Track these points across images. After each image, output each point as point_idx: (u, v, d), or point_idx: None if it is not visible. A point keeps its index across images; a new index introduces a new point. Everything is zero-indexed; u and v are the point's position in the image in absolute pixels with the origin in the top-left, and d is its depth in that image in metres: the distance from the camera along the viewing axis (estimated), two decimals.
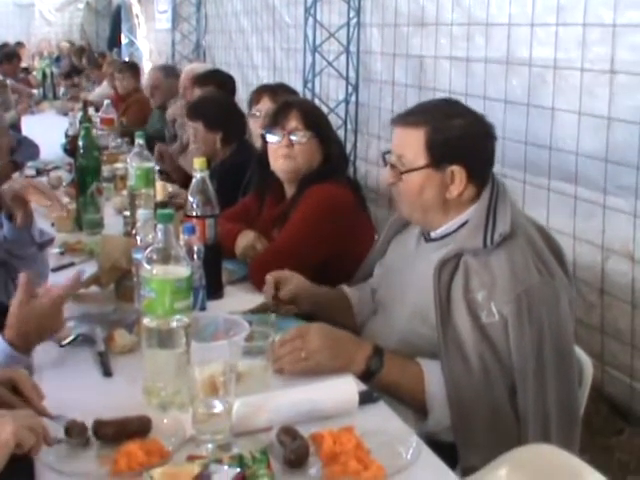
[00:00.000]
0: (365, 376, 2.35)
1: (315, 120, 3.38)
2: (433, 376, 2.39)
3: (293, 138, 3.31)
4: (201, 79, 6.13)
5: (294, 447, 1.85)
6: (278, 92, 4.16)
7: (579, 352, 2.54)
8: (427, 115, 2.54)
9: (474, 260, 2.40)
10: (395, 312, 2.66)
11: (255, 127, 4.21)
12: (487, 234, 2.41)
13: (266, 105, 4.11)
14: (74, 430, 1.93)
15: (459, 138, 2.49)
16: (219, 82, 5.95)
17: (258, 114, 4.17)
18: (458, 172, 2.48)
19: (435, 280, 2.43)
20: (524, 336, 2.32)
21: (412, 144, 2.51)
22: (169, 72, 7.79)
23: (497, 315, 2.34)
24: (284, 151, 3.33)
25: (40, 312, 2.27)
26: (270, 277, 2.82)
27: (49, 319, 2.31)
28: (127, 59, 13.41)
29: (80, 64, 13.15)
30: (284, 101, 3.51)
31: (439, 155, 2.48)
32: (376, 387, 2.31)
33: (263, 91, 4.27)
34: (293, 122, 3.32)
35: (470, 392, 2.34)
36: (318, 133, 3.35)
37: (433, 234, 2.62)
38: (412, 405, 2.41)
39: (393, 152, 2.58)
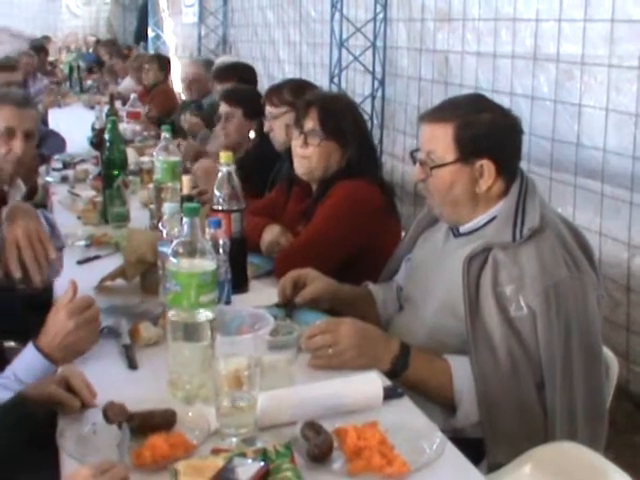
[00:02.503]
0: (390, 375, 2.35)
1: (334, 122, 3.31)
2: (461, 372, 2.39)
3: (309, 139, 3.31)
4: (221, 74, 6.10)
5: (318, 442, 1.85)
6: (281, 92, 4.17)
7: (604, 350, 2.53)
8: (455, 110, 2.54)
9: (503, 254, 2.40)
10: (423, 307, 2.66)
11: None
12: (516, 228, 2.42)
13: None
14: (112, 411, 1.95)
15: (488, 132, 2.50)
16: (240, 76, 5.93)
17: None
18: (487, 166, 2.48)
19: (464, 274, 2.43)
20: (552, 330, 2.32)
21: (441, 139, 2.51)
22: (209, 67, 7.71)
23: (525, 308, 2.34)
24: (299, 151, 3.34)
25: (77, 326, 2.29)
26: (287, 280, 2.80)
27: (87, 333, 2.33)
28: (153, 53, 13.43)
29: (108, 58, 13.17)
30: (306, 99, 3.46)
31: (468, 150, 2.49)
32: (403, 384, 2.31)
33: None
34: (310, 123, 3.30)
35: (498, 386, 2.35)
36: (336, 136, 3.30)
37: (462, 229, 2.62)
38: (440, 401, 2.41)
39: (422, 149, 2.59)
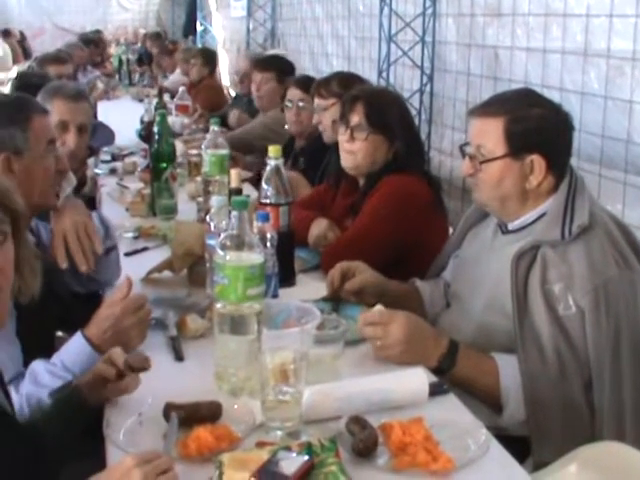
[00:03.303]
0: (436, 372, 2.34)
1: (381, 116, 3.30)
2: (508, 371, 2.38)
3: (355, 133, 3.30)
4: (261, 64, 6.13)
5: (363, 436, 1.85)
6: (329, 84, 4.20)
7: None
8: (505, 105, 2.53)
9: (552, 252, 2.38)
10: (471, 304, 2.65)
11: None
12: (565, 226, 2.39)
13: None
14: (133, 359, 2.00)
15: (538, 127, 2.48)
16: (279, 68, 5.94)
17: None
18: (537, 161, 2.47)
19: (512, 271, 2.42)
20: (601, 329, 2.30)
21: (491, 134, 2.50)
22: None
23: (574, 307, 2.32)
24: (346, 146, 3.33)
25: (128, 325, 2.32)
26: (336, 270, 2.81)
27: (137, 332, 2.35)
28: (200, 46, 13.48)
29: (157, 51, 13.24)
30: (352, 94, 3.44)
31: (518, 144, 2.47)
32: (450, 382, 2.31)
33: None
34: (356, 117, 3.30)
35: (545, 384, 2.33)
36: (382, 130, 3.29)
37: (510, 226, 2.60)
38: (486, 400, 2.40)
39: (471, 143, 2.58)
